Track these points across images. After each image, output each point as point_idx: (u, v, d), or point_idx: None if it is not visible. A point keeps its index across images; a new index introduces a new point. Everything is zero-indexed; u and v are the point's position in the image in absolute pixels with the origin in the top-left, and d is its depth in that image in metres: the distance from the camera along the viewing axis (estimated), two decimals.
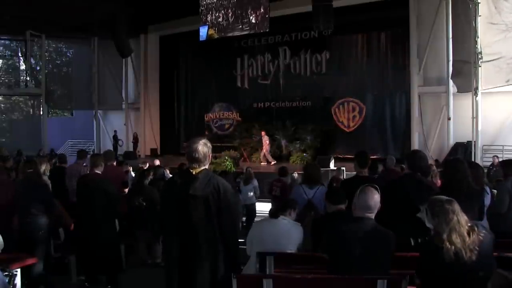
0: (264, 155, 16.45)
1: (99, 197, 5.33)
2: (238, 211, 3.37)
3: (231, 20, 16.85)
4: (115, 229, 5.64)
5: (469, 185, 4.00)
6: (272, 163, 15.96)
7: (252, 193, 9.29)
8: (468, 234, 2.81)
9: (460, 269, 2.76)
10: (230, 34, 17.22)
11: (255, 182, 9.64)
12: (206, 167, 3.28)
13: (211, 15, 17.33)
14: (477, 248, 2.77)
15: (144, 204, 6.73)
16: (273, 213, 4.07)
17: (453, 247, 2.76)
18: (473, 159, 13.10)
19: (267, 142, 16.41)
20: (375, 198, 3.06)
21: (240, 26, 16.67)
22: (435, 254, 2.82)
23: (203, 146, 3.24)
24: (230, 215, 3.19)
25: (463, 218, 2.86)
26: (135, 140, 20.87)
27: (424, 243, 3.19)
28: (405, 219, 3.83)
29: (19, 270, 4.60)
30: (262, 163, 16.12)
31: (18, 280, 4.57)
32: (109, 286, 5.33)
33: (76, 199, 5.88)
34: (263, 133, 16.67)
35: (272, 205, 4.26)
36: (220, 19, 17.12)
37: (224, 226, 3.14)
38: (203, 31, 17.54)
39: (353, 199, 3.16)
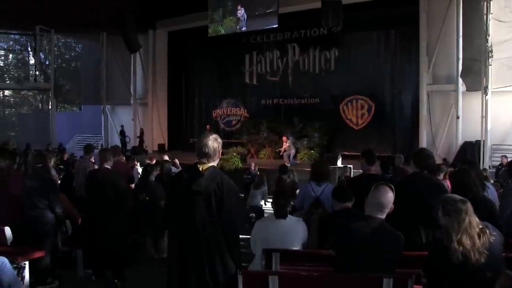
0: (288, 156, 15.82)
1: (109, 192, 5.35)
2: (242, 211, 3.27)
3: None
4: (124, 224, 5.66)
5: (475, 195, 3.86)
6: (287, 164, 15.34)
7: (260, 197, 9.52)
8: (479, 236, 2.78)
9: (468, 270, 2.74)
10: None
11: (265, 188, 9.73)
12: (215, 162, 3.23)
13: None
14: (486, 252, 2.75)
15: (147, 199, 6.78)
16: (278, 214, 4.06)
17: (461, 248, 2.74)
18: (481, 159, 13.06)
19: (287, 144, 15.94)
20: (388, 196, 3.01)
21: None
22: (443, 253, 2.80)
23: (213, 142, 3.18)
24: (232, 214, 3.10)
25: (474, 220, 2.83)
26: (141, 135, 20.88)
27: (433, 242, 3.17)
28: (420, 219, 3.81)
29: (27, 262, 4.66)
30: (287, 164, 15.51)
31: (26, 273, 4.63)
32: (115, 280, 5.36)
33: (85, 193, 5.93)
34: (284, 138, 16.30)
35: (272, 202, 4.22)
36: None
37: (226, 225, 3.08)
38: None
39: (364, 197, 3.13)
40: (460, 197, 2.97)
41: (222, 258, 3.07)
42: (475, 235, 2.78)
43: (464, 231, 2.77)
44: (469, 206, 2.86)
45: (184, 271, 3.09)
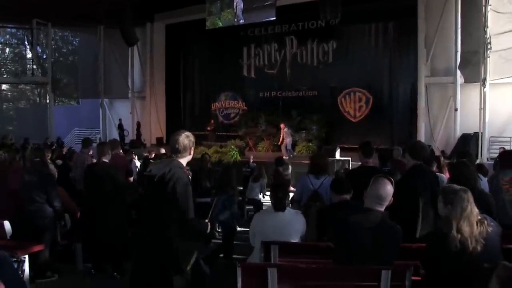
0: (286, 147, 15.73)
1: (107, 185, 5.38)
2: (187, 203, 3.37)
3: None
4: (123, 217, 5.68)
5: (473, 188, 3.93)
6: (284, 157, 15.26)
7: (258, 190, 9.56)
8: (477, 224, 2.82)
9: (465, 260, 2.76)
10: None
11: (264, 182, 9.77)
12: (186, 159, 3.43)
13: None
14: (483, 241, 2.77)
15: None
16: (276, 207, 4.07)
17: (459, 236, 2.77)
18: (479, 151, 13.07)
19: (286, 133, 15.73)
20: (387, 189, 3.02)
21: None
22: (442, 241, 2.82)
23: (184, 138, 3.38)
24: (174, 204, 3.24)
25: (475, 209, 2.87)
26: (138, 128, 20.86)
27: (432, 231, 3.19)
28: (428, 209, 3.90)
29: (27, 256, 4.67)
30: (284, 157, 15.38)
31: (26, 266, 4.65)
32: (115, 274, 5.38)
33: (83, 187, 5.93)
34: (282, 125, 16.19)
35: (270, 195, 4.26)
36: None
37: (170, 213, 3.27)
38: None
39: (363, 189, 3.14)
40: (461, 187, 3.00)
41: (161, 240, 3.28)
42: (474, 223, 2.82)
43: (465, 219, 2.81)
44: (470, 194, 2.90)
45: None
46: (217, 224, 7.63)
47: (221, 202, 6.02)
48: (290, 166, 10.22)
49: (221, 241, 6.52)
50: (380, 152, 7.76)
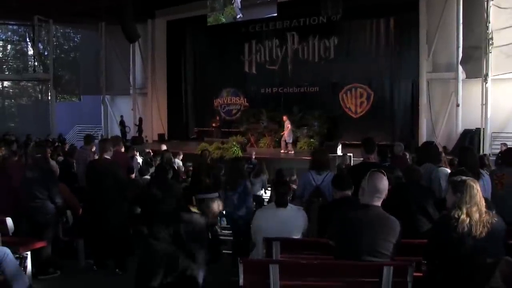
0: (285, 140, 15.55)
1: (109, 182, 5.38)
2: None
3: None
4: (124, 213, 5.69)
5: None
6: (282, 151, 15.23)
7: (259, 186, 9.50)
8: (486, 213, 2.88)
9: (470, 244, 2.79)
10: None
11: (264, 177, 9.76)
12: None
13: None
14: (489, 227, 2.81)
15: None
16: (278, 203, 4.07)
17: (468, 219, 2.82)
18: (481, 146, 13.04)
19: (288, 127, 15.46)
20: (384, 183, 3.05)
21: None
22: (449, 225, 2.86)
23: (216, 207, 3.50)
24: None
25: (482, 198, 2.93)
26: (139, 124, 20.85)
27: (439, 217, 3.22)
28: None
29: (29, 253, 4.69)
30: (282, 151, 15.30)
31: (28, 263, 4.66)
32: (117, 270, 5.39)
33: (85, 183, 5.94)
34: (284, 117, 15.93)
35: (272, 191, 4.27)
36: None
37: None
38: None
39: (362, 184, 3.13)
40: (469, 177, 3.05)
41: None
42: (483, 210, 2.87)
43: (474, 205, 2.86)
44: (478, 184, 2.97)
45: None
46: (221, 219, 7.64)
47: (237, 196, 5.86)
48: (294, 171, 10.10)
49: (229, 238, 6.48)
50: (379, 148, 7.77)
